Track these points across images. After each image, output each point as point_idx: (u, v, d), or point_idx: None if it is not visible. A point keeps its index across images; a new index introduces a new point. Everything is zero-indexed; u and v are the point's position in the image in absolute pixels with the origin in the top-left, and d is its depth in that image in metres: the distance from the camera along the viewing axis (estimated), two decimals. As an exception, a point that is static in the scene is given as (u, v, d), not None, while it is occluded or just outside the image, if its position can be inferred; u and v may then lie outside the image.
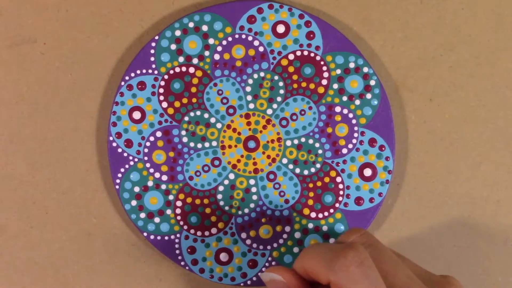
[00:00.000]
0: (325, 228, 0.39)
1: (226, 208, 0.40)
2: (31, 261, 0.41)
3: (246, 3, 0.39)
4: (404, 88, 0.41)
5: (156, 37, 0.39)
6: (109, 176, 0.41)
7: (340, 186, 0.40)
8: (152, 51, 0.39)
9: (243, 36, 0.39)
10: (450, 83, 0.41)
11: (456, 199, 0.41)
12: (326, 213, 0.40)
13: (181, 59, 0.39)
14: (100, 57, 0.41)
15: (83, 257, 0.41)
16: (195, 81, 0.39)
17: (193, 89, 0.40)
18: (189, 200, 0.40)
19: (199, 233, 0.40)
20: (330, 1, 0.41)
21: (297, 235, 0.40)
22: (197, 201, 0.40)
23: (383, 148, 0.39)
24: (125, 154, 0.40)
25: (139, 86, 0.39)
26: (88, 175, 0.41)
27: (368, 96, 0.39)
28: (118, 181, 0.39)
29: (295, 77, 0.40)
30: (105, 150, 0.41)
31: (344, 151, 0.40)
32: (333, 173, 0.40)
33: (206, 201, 0.40)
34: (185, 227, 0.40)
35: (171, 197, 0.40)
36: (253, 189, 0.40)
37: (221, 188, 0.40)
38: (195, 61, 0.39)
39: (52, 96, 0.41)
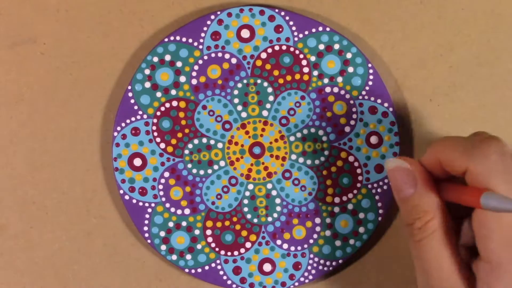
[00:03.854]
0: (350, 206, 0.39)
1: (255, 220, 0.40)
2: (31, 261, 0.41)
3: (205, 18, 0.39)
4: (404, 88, 0.41)
5: (129, 87, 0.39)
6: (110, 176, 0.41)
7: (355, 164, 0.39)
8: (132, 101, 0.39)
9: (213, 55, 0.39)
10: (450, 83, 0.41)
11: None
12: (350, 195, 0.39)
13: (158, 94, 0.39)
14: (100, 57, 0.41)
15: (83, 257, 0.41)
16: (181, 114, 0.40)
17: (183, 122, 0.40)
18: (219, 224, 0.40)
19: (236, 252, 0.40)
20: (330, 1, 0.41)
21: (328, 221, 0.40)
22: (226, 223, 0.40)
23: (386, 115, 0.39)
24: (141, 204, 0.40)
25: (133, 132, 0.39)
26: (88, 175, 0.41)
27: (350, 69, 0.39)
28: (146, 228, 0.39)
29: (276, 72, 0.40)
30: (105, 150, 0.41)
31: (347, 129, 0.39)
32: (343, 154, 0.40)
33: (234, 219, 0.40)
34: (222, 252, 0.40)
35: (197, 232, 0.40)
36: (274, 193, 0.40)
37: (245, 201, 0.40)
38: (173, 92, 0.39)
39: (52, 96, 0.41)
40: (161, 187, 0.40)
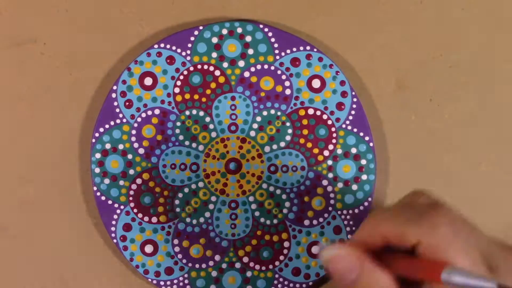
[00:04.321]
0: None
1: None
2: (31, 261, 0.41)
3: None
4: (404, 88, 0.41)
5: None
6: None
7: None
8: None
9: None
10: (450, 83, 0.41)
11: (456, 199, 0.41)
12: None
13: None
14: (100, 57, 0.41)
15: (82, 258, 0.41)
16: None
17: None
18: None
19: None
20: (330, 1, 0.41)
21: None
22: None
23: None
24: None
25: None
26: (88, 175, 0.41)
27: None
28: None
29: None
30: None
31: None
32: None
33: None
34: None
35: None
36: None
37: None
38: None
39: (52, 96, 0.41)
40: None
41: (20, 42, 0.41)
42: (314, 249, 0.39)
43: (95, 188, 0.39)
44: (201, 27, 0.40)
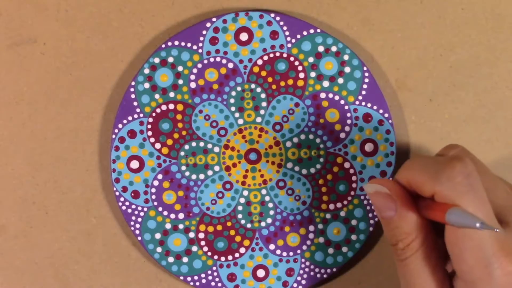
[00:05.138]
0: (342, 213, 0.39)
1: (248, 225, 0.40)
2: (31, 261, 0.41)
3: (203, 24, 0.39)
4: (404, 88, 0.41)
5: (133, 83, 0.39)
6: (109, 176, 0.41)
7: (351, 171, 0.39)
8: (133, 96, 0.39)
9: (212, 60, 0.40)
10: (450, 83, 0.41)
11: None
12: (345, 202, 0.39)
13: (157, 95, 0.39)
14: (100, 57, 0.41)
15: (83, 257, 0.41)
16: (179, 116, 0.40)
17: (180, 124, 0.40)
18: (210, 229, 0.40)
19: (230, 257, 0.40)
20: (330, 1, 0.41)
21: (320, 227, 0.40)
22: (219, 227, 0.40)
23: (382, 123, 0.39)
24: (134, 206, 0.40)
25: (129, 135, 0.39)
26: (88, 175, 0.41)
27: (347, 69, 0.39)
28: (138, 232, 0.39)
29: (270, 79, 0.40)
30: (104, 150, 0.41)
31: (342, 135, 0.39)
32: (339, 160, 0.40)
33: (229, 224, 0.40)
34: (216, 257, 0.40)
35: (192, 235, 0.40)
36: (267, 199, 0.40)
37: (239, 208, 0.40)
38: (171, 94, 0.39)
39: (52, 96, 0.41)
40: (154, 190, 0.40)
41: (20, 42, 0.41)
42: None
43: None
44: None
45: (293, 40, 0.39)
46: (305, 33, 0.39)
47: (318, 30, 0.39)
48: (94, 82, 0.41)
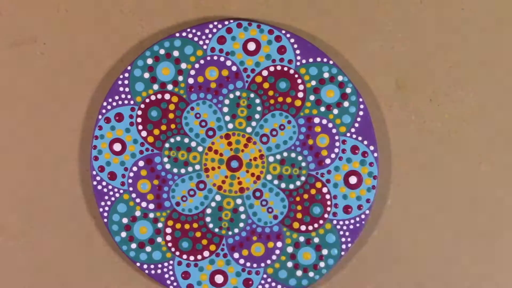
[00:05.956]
0: (316, 239, 0.39)
1: (216, 230, 0.40)
2: (31, 261, 0.41)
3: (214, 24, 0.39)
4: (404, 88, 0.41)
5: (129, 67, 0.39)
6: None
7: (327, 196, 0.39)
8: (126, 82, 0.39)
9: (215, 58, 0.40)
10: (450, 83, 0.41)
11: (456, 199, 0.41)
12: (316, 225, 0.40)
13: (155, 86, 0.39)
14: (100, 57, 0.41)
15: (82, 257, 0.41)
16: (171, 107, 0.39)
17: (171, 115, 0.40)
18: (178, 226, 0.40)
19: (191, 257, 0.40)
20: (330, 1, 0.41)
21: (289, 249, 0.40)
22: (187, 226, 0.40)
23: (366, 155, 0.39)
24: (110, 187, 0.40)
25: (117, 118, 0.39)
26: (88, 175, 0.41)
27: (346, 104, 0.39)
28: (106, 214, 0.39)
29: (271, 92, 0.40)
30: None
31: (328, 161, 0.39)
32: (318, 184, 0.40)
33: (195, 225, 0.40)
34: (177, 253, 0.40)
35: (160, 225, 0.40)
36: (241, 209, 0.40)
37: (208, 210, 0.40)
38: (169, 87, 0.39)
39: (52, 96, 0.41)
40: (131, 174, 0.40)
41: (20, 42, 0.41)
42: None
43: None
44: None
45: (303, 61, 0.39)
46: (318, 59, 0.39)
47: (331, 62, 0.39)
48: (94, 82, 0.41)
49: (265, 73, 0.39)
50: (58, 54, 0.41)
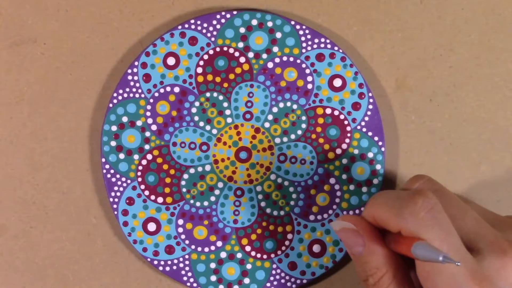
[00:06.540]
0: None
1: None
2: (31, 261, 0.41)
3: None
4: (404, 88, 0.41)
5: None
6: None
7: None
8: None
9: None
10: (450, 83, 0.41)
11: (456, 199, 0.41)
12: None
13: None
14: (100, 57, 0.41)
15: (83, 257, 0.41)
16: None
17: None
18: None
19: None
20: (330, 1, 0.41)
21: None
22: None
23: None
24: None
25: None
26: (88, 175, 0.41)
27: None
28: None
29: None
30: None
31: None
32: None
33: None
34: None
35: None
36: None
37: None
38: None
39: (52, 96, 0.41)
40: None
41: (20, 42, 0.41)
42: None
43: (103, 160, 0.39)
44: (235, 11, 0.39)
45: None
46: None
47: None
48: (94, 82, 0.41)
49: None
50: (58, 54, 0.41)
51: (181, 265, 0.40)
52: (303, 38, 0.39)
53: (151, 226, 0.40)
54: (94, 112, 0.41)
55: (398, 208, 0.30)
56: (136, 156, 0.40)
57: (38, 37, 0.41)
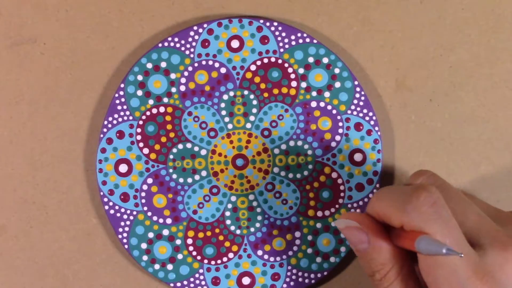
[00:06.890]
0: (333, 224, 0.39)
1: (238, 231, 0.40)
2: (31, 261, 0.41)
3: (197, 27, 0.39)
4: (404, 88, 0.41)
5: (122, 85, 0.39)
6: (109, 176, 0.41)
7: (339, 180, 0.40)
8: (123, 100, 0.39)
9: (203, 62, 0.40)
10: (450, 83, 0.41)
11: (456, 199, 0.41)
12: (332, 209, 0.40)
13: (151, 101, 0.39)
14: (100, 57, 0.41)
15: (83, 257, 0.41)
16: (168, 118, 0.39)
17: (169, 126, 0.40)
18: (201, 235, 0.40)
19: (219, 261, 0.40)
20: (330, 1, 0.41)
21: (309, 237, 0.40)
22: (208, 233, 0.40)
23: (371, 133, 0.39)
24: (123, 210, 0.40)
25: (117, 135, 0.39)
26: (88, 175, 0.41)
27: (337, 84, 0.39)
28: (125, 240, 0.39)
29: (263, 86, 0.40)
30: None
31: (333, 144, 0.40)
32: (327, 170, 0.40)
33: (217, 230, 0.40)
34: (205, 261, 0.40)
35: (178, 241, 0.40)
36: (255, 204, 0.40)
37: (227, 213, 0.40)
38: (165, 99, 0.39)
39: (52, 96, 0.41)
40: (143, 194, 0.40)
41: (20, 42, 0.41)
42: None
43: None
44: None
45: (287, 46, 0.39)
46: (300, 41, 0.39)
47: (315, 41, 0.39)
48: (94, 82, 0.41)
49: (253, 67, 0.39)
50: (58, 54, 0.41)
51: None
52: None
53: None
54: (94, 112, 0.41)
55: (401, 202, 0.30)
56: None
57: (38, 37, 0.41)
